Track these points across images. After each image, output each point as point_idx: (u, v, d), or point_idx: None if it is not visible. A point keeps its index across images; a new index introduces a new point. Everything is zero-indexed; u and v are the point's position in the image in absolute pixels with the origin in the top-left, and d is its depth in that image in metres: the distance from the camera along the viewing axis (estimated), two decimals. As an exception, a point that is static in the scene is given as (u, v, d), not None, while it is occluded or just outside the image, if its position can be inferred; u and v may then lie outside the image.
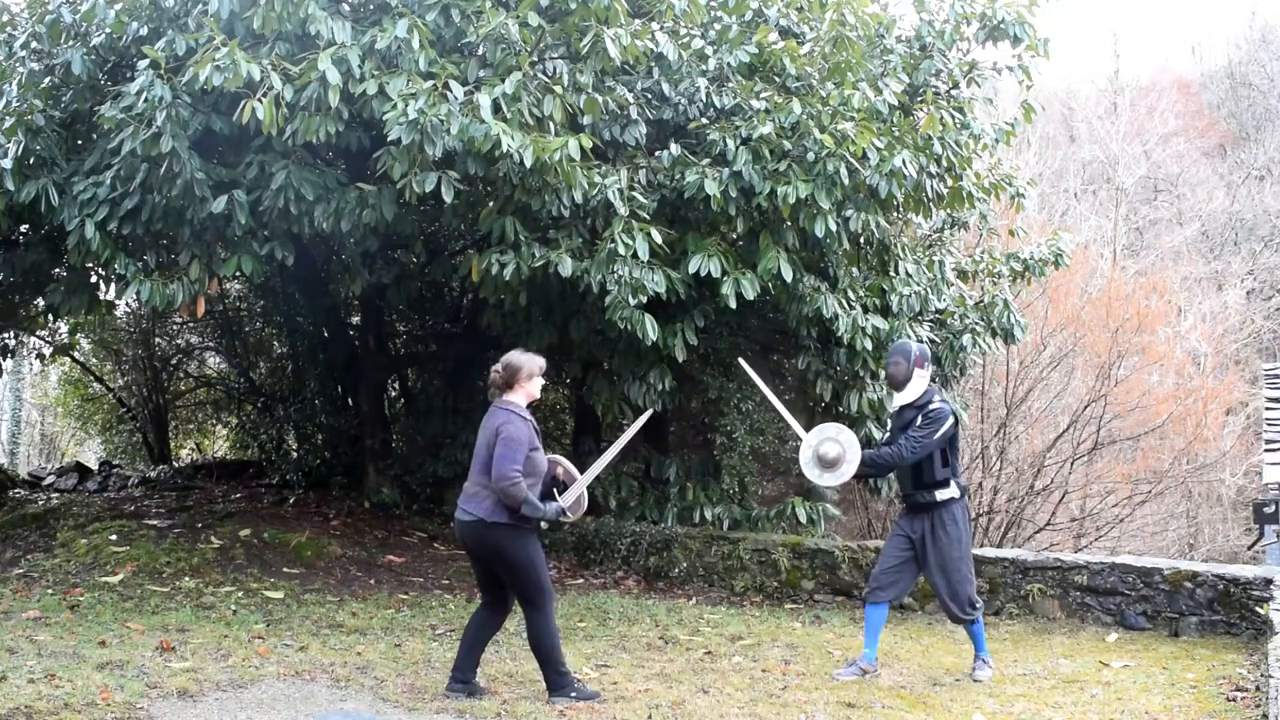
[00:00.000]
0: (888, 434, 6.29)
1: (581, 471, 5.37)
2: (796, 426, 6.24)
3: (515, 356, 5.14)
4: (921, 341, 8.57)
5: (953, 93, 8.72)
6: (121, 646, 5.72)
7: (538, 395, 5.17)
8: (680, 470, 9.43)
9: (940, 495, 5.79)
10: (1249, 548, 16.44)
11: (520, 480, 4.85)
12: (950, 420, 5.78)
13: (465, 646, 5.18)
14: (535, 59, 6.95)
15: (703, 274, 7.46)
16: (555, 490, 5.23)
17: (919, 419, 5.78)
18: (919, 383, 5.86)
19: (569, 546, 9.47)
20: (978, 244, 10.85)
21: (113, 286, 7.83)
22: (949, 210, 9.11)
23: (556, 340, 8.93)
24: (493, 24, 6.52)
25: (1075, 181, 26.07)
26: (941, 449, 5.79)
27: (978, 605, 5.85)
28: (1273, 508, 12.51)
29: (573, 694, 5.09)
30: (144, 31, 6.88)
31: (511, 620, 7.13)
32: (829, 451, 5.89)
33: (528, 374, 5.10)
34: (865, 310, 8.58)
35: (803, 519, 8.96)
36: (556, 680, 5.11)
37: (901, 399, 5.93)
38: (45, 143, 7.01)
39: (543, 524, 5.09)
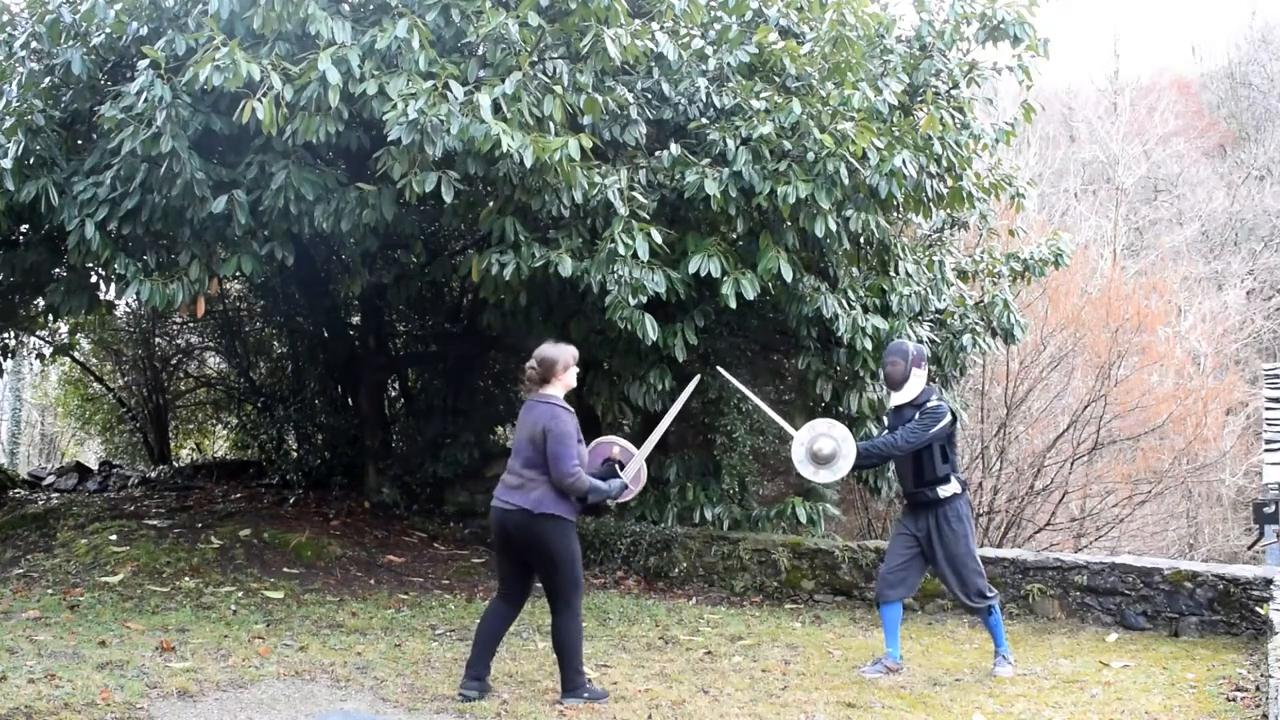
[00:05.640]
0: (885, 434, 6.33)
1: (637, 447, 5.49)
2: (786, 425, 6.29)
3: (548, 350, 5.13)
4: (921, 341, 8.59)
5: (953, 93, 8.72)
6: (121, 646, 5.71)
7: (574, 385, 5.19)
8: (680, 470, 9.43)
9: (942, 492, 5.88)
10: (1249, 548, 16.42)
11: (580, 473, 4.89)
12: (948, 418, 5.89)
13: (481, 643, 5.08)
14: (535, 59, 6.94)
15: (703, 274, 7.47)
16: (617, 468, 5.33)
17: (917, 416, 5.87)
18: (916, 382, 5.94)
19: (569, 546, 9.45)
20: (978, 244, 10.84)
21: (113, 286, 7.83)
22: (949, 210, 9.11)
23: (556, 340, 8.92)
24: (493, 24, 6.52)
25: (1075, 181, 26.07)
26: (940, 445, 5.88)
27: (990, 594, 5.94)
28: (1273, 508, 12.50)
29: (585, 694, 5.05)
30: (144, 31, 6.88)
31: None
32: (824, 448, 5.93)
33: (563, 366, 5.11)
34: (865, 310, 8.58)
35: (803, 519, 8.95)
36: (572, 680, 5.04)
37: (899, 398, 5.99)
38: (45, 143, 7.00)
39: (609, 502, 5.08)
